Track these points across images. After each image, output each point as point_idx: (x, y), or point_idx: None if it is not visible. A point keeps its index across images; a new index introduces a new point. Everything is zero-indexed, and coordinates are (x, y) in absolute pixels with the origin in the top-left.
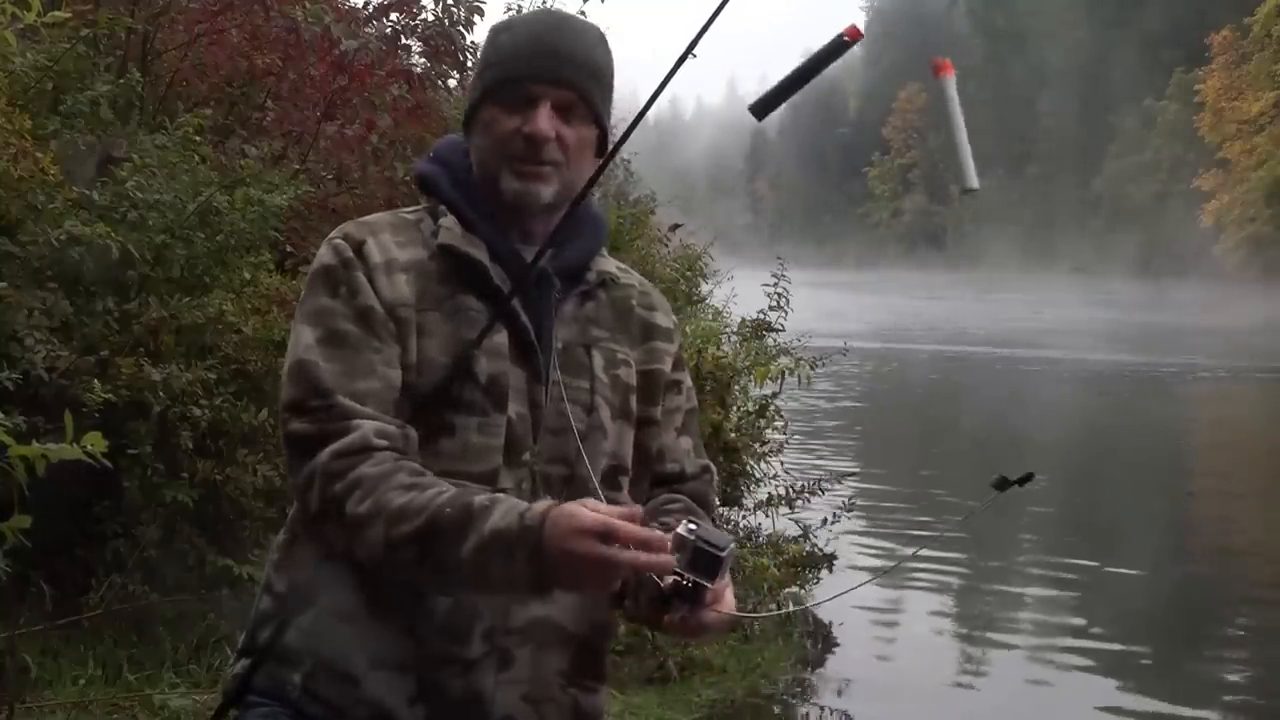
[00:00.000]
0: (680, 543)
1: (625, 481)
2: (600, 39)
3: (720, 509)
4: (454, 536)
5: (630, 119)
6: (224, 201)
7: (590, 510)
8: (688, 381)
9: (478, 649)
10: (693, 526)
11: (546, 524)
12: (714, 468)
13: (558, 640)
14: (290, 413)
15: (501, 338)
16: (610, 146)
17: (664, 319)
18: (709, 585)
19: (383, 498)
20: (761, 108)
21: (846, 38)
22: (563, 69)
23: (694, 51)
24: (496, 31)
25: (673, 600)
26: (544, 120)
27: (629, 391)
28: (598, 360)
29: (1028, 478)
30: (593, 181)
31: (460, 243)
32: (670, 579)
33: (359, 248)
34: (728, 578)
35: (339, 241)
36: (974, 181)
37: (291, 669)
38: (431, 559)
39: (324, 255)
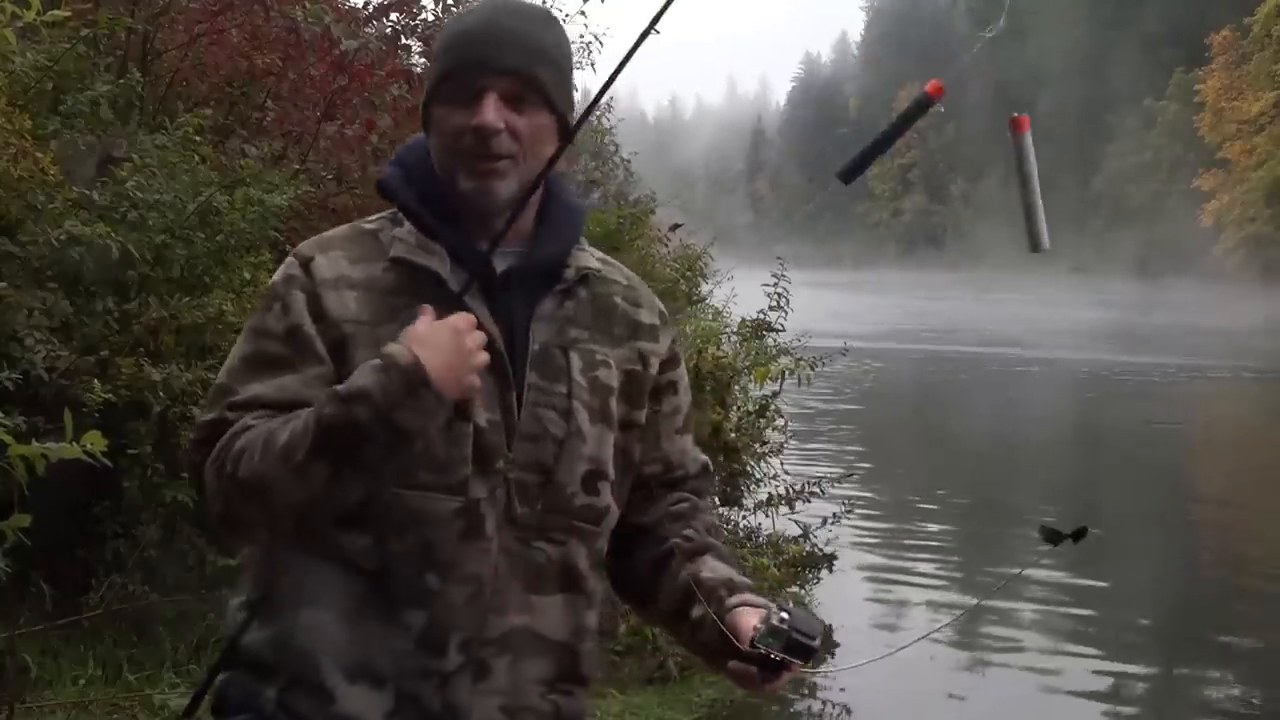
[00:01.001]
0: (774, 631)
1: (605, 487)
2: (547, 19)
3: (720, 509)
4: (347, 425)
5: (630, 117)
6: (224, 201)
7: None
8: (684, 378)
9: (454, 661)
10: (785, 616)
11: (405, 339)
12: (710, 463)
13: (537, 649)
14: (196, 434)
15: None
16: (610, 152)
17: (649, 316)
18: (802, 664)
19: (270, 443)
20: (848, 173)
21: (930, 96)
22: (505, 55)
23: (657, 28)
24: (444, 28)
25: (754, 661)
26: (490, 111)
27: (608, 394)
28: (575, 363)
29: (1081, 532)
30: (547, 168)
31: (414, 254)
32: (761, 650)
33: (307, 264)
34: None
35: (290, 258)
36: (1046, 243)
37: (266, 683)
38: (343, 460)
39: (278, 271)
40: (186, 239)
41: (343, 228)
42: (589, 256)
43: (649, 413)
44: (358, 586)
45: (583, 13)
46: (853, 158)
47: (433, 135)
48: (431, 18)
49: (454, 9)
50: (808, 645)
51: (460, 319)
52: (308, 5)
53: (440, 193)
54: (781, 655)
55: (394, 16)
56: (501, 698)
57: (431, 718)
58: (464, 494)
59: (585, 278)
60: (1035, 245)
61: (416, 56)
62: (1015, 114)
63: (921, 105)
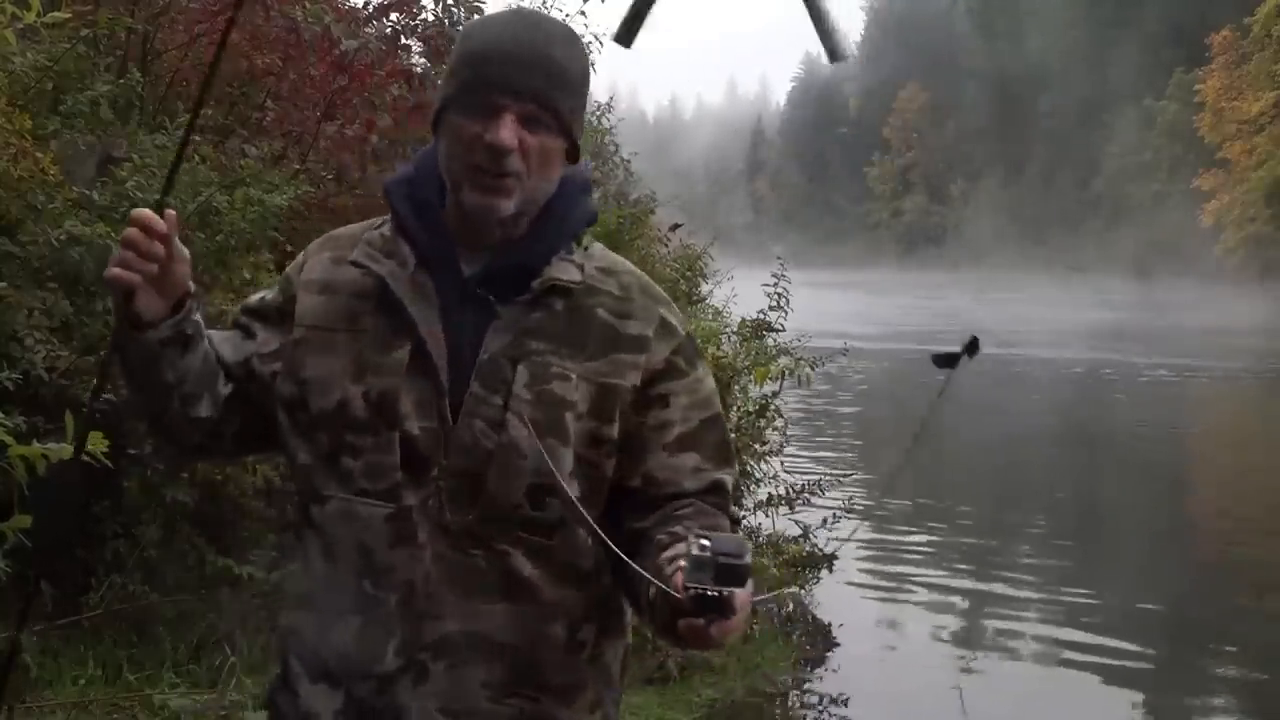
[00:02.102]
0: (700, 563)
1: (556, 504)
2: (569, 40)
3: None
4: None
5: (630, 117)
6: (224, 201)
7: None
8: (692, 391)
9: (392, 663)
10: (705, 543)
11: None
12: (727, 481)
13: (482, 654)
14: None
15: (403, 353)
16: (610, 152)
17: (639, 327)
18: (741, 590)
19: None
20: (627, 33)
21: None
22: (527, 78)
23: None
24: (468, 32)
25: (700, 612)
26: (506, 131)
27: (562, 408)
28: (521, 375)
29: (973, 345)
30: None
31: (371, 258)
32: (692, 592)
33: (303, 264)
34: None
35: (302, 253)
36: (845, 50)
37: (272, 682)
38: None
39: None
40: (186, 239)
41: (357, 225)
42: (571, 268)
43: (633, 425)
44: (320, 590)
45: (583, 13)
46: (624, 19)
47: (443, 140)
48: (431, 18)
49: (454, 9)
50: (737, 566)
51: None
52: (308, 5)
53: (429, 199)
54: (717, 590)
55: (394, 16)
56: (440, 700)
57: (376, 717)
58: (395, 500)
59: (566, 290)
60: (834, 55)
61: (416, 56)
62: None
63: None
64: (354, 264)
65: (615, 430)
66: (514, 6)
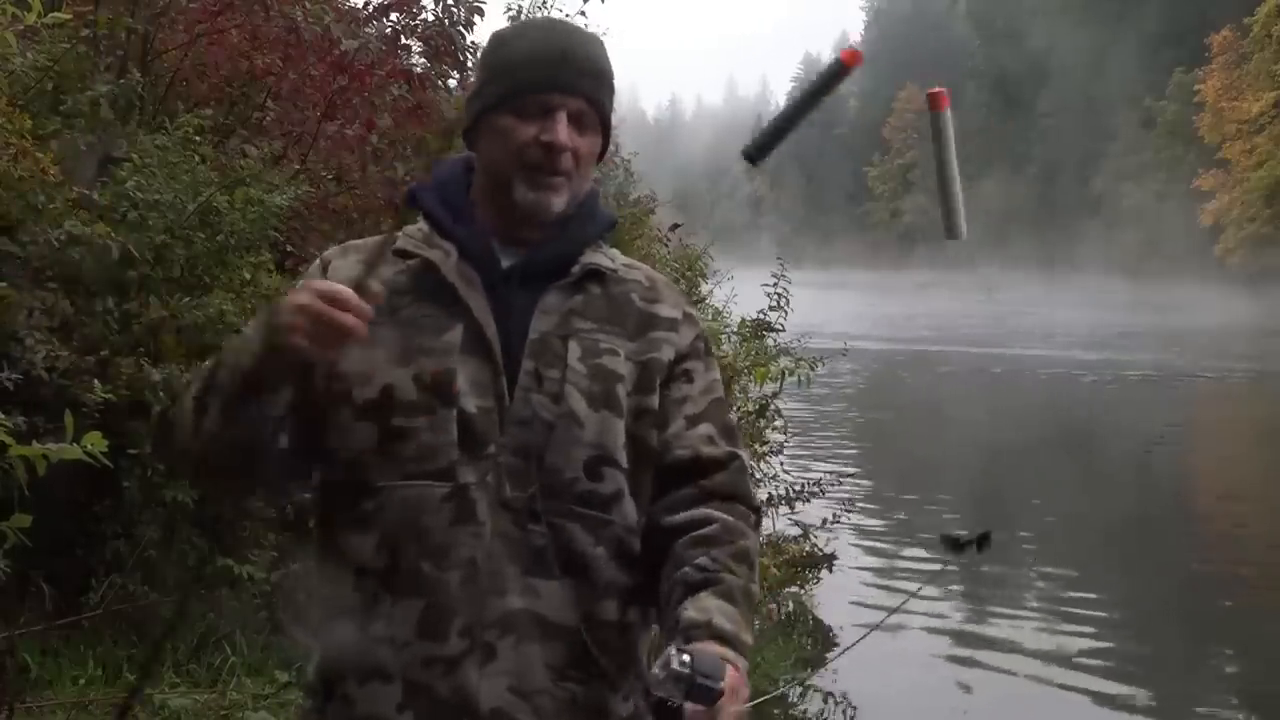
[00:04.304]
0: (676, 676)
1: (613, 473)
2: (601, 44)
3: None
4: (227, 365)
5: (630, 117)
6: (224, 201)
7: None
8: (707, 373)
9: (456, 645)
10: (686, 658)
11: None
12: (743, 458)
13: (541, 633)
14: None
15: (454, 334)
16: (610, 152)
17: (669, 310)
18: (709, 706)
19: (185, 390)
20: (755, 152)
21: (844, 64)
22: (579, 78)
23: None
24: (503, 40)
25: (657, 710)
26: (563, 130)
27: (614, 380)
28: (574, 350)
29: (984, 538)
30: None
31: (417, 246)
32: (657, 698)
33: (326, 266)
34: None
35: (316, 261)
36: (964, 230)
37: (315, 706)
38: (217, 397)
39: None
40: (186, 239)
41: (373, 238)
42: (604, 258)
43: (659, 398)
44: (366, 588)
45: (583, 13)
46: (760, 134)
47: (489, 141)
48: (431, 18)
49: (454, 9)
50: (711, 689)
51: (319, 284)
52: (308, 5)
53: (459, 201)
54: (681, 702)
55: (394, 16)
56: (509, 679)
57: (441, 704)
58: (452, 479)
59: (601, 276)
60: (952, 233)
61: (416, 56)
62: (933, 89)
63: (833, 75)
64: (398, 253)
65: (655, 401)
66: (533, 15)
